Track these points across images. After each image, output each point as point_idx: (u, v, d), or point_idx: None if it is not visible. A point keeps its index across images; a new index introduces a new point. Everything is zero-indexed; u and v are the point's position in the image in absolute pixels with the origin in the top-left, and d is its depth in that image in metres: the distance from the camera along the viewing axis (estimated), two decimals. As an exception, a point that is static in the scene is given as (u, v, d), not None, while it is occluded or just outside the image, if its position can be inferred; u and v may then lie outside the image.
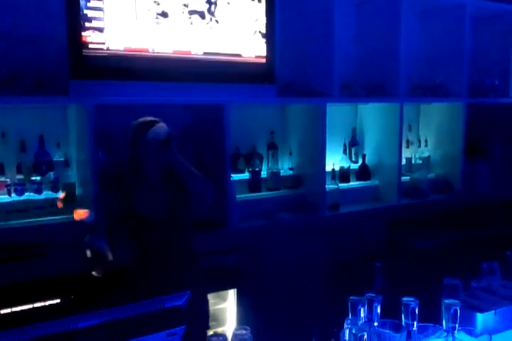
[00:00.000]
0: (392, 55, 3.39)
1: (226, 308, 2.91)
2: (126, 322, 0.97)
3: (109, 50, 2.43)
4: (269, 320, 2.70)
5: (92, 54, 2.39)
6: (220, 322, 2.88)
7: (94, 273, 1.93)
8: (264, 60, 2.86)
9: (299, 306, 2.83)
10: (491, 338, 1.23)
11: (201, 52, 2.67)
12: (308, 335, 1.62)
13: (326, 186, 3.23)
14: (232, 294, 2.89)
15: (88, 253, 1.89)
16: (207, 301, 2.24)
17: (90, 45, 2.38)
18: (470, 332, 1.29)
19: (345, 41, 3.35)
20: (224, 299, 2.90)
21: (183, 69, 2.62)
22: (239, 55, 2.79)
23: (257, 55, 2.84)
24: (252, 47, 2.82)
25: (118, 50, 2.46)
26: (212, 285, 2.56)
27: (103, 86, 2.44)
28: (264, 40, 2.84)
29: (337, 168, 3.43)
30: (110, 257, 1.90)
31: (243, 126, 3.07)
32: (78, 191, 2.60)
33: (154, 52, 2.55)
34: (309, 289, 2.98)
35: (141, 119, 2.07)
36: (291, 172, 3.32)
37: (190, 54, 2.64)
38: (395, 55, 3.38)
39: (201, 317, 2.17)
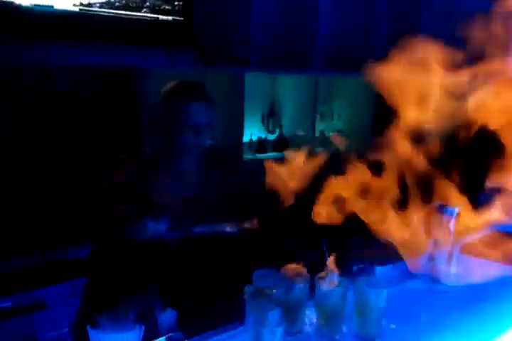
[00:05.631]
0: (310, 29, 3.45)
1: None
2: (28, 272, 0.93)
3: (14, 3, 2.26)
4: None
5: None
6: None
7: None
8: (181, 21, 2.77)
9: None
10: (388, 286, 1.33)
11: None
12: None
13: (244, 156, 3.27)
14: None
15: None
16: None
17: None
18: (369, 283, 1.38)
19: (264, 12, 3.34)
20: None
21: (89, 27, 2.44)
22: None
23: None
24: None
25: (23, 5, 2.28)
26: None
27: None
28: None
29: (254, 138, 3.47)
30: None
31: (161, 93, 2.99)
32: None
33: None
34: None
35: (180, 86, 1.67)
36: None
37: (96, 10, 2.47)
38: (313, 29, 3.44)
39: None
